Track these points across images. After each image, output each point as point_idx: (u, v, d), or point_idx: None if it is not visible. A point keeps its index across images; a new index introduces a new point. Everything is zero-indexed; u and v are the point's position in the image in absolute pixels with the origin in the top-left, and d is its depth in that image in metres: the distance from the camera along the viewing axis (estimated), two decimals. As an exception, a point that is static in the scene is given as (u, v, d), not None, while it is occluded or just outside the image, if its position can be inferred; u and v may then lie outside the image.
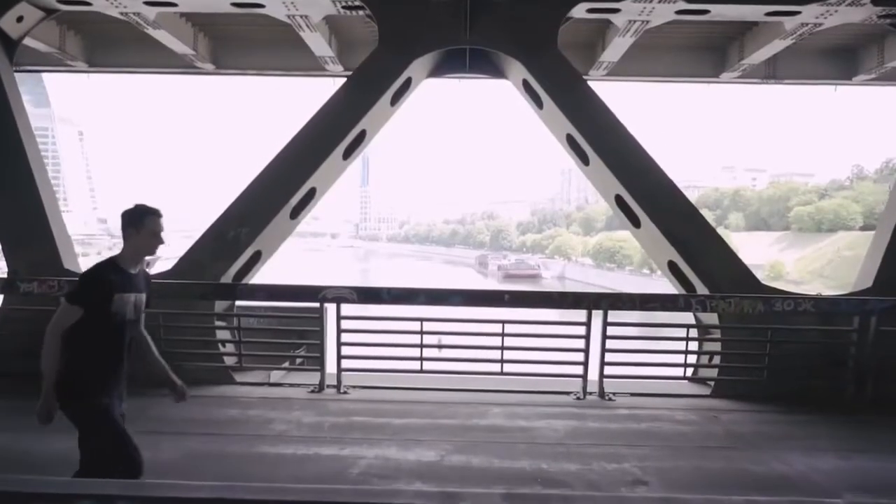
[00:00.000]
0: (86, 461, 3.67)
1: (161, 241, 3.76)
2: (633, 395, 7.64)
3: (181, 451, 5.54)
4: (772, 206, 77.98)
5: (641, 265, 70.24)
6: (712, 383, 8.02)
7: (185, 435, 5.98)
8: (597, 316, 7.69)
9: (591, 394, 7.64)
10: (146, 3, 9.07)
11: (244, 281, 8.92)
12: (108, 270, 3.64)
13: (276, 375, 8.44)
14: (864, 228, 63.45)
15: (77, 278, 3.65)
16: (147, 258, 3.85)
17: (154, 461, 5.31)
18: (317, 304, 7.78)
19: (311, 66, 11.88)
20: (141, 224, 3.69)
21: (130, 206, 3.75)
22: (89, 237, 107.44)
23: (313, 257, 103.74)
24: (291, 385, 7.94)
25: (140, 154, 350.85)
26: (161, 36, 10.36)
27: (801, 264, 62.79)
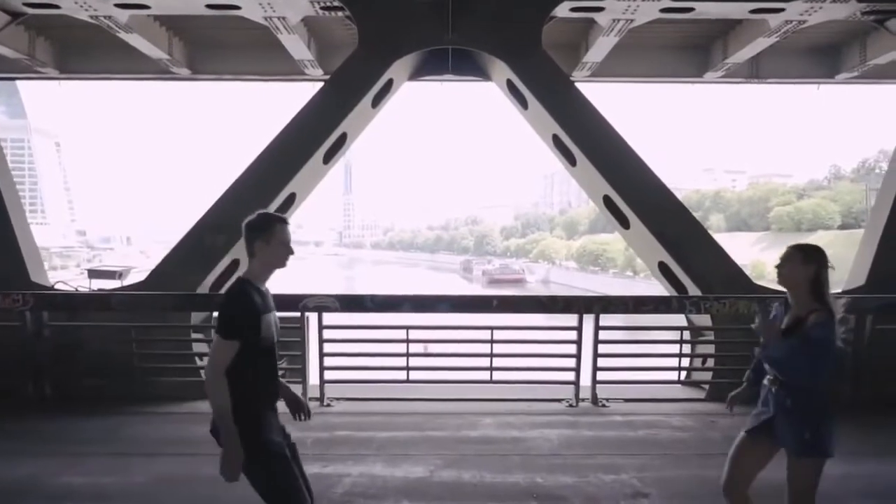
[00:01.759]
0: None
1: (292, 252, 3.34)
2: (626, 400, 7.42)
3: (152, 474, 5.22)
4: (752, 206, 78.63)
5: (625, 267, 70.47)
6: (707, 387, 7.83)
7: (156, 456, 5.66)
8: (588, 320, 7.48)
9: (583, 400, 7.41)
10: (117, 6, 8.76)
11: (222, 291, 8.62)
12: (250, 292, 3.18)
13: (256, 389, 8.12)
14: (842, 227, 64.28)
15: (223, 309, 3.16)
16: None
17: (122, 486, 5.03)
18: (297, 314, 7.48)
19: (290, 70, 11.62)
20: (270, 234, 3.23)
21: (253, 215, 3.29)
22: (68, 249, 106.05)
23: (297, 265, 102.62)
24: (272, 398, 7.62)
25: (118, 163, 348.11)
26: (134, 40, 10.05)
27: (782, 264, 63.20)
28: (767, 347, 3.43)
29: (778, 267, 3.49)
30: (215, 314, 8.24)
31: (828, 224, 66.04)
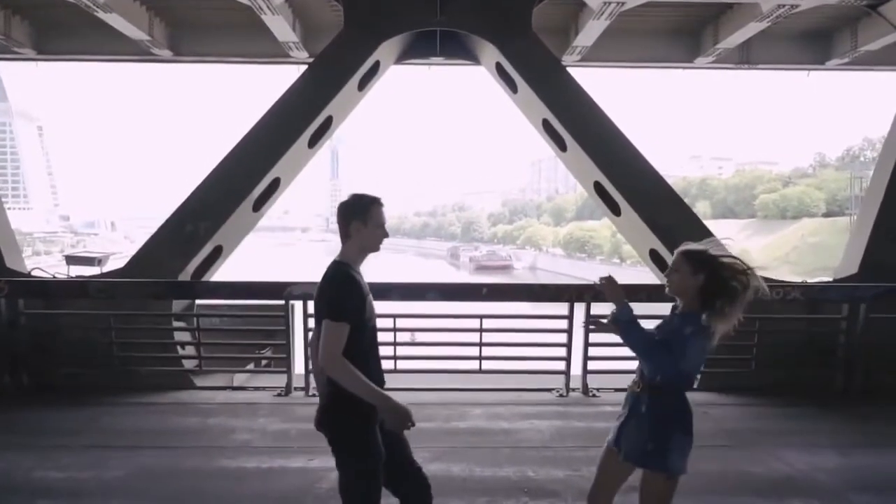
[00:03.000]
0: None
1: (387, 234, 3.22)
2: (617, 390, 7.30)
3: (131, 468, 5.04)
4: (738, 194, 78.88)
5: (612, 254, 70.64)
6: (698, 376, 7.73)
7: (136, 449, 5.48)
8: (578, 308, 7.34)
9: (574, 390, 7.29)
10: (93, -16, 8.48)
11: (204, 278, 8.41)
12: (354, 273, 3.09)
13: (239, 378, 7.95)
14: (826, 215, 64.83)
15: (330, 291, 3.03)
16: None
17: (100, 480, 4.85)
18: (282, 302, 7.31)
19: (274, 52, 11.36)
20: (368, 215, 3.13)
21: (348, 196, 3.19)
22: (51, 235, 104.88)
23: (284, 252, 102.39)
24: (256, 388, 7.46)
25: (102, 147, 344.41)
26: (113, 20, 9.75)
27: (767, 251, 63.62)
28: (615, 309, 3.24)
29: (667, 275, 3.29)
30: (198, 301, 8.11)
31: (812, 212, 66.51)
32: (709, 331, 3.12)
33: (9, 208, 9.33)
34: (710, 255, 3.23)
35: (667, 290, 3.30)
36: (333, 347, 2.95)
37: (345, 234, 3.15)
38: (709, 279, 3.16)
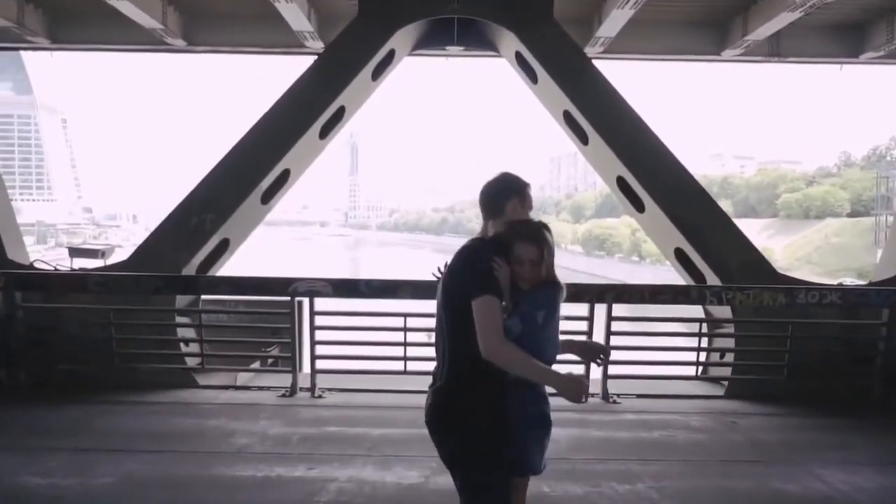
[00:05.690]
0: None
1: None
2: (639, 396, 6.93)
3: (119, 474, 4.75)
4: (760, 193, 77.83)
5: (631, 252, 69.97)
6: (726, 383, 7.32)
7: (129, 453, 5.19)
8: (599, 309, 6.96)
9: (593, 395, 6.89)
10: (104, -29, 8.24)
11: (210, 272, 8.14)
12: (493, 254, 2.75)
13: (243, 377, 7.66)
14: (851, 215, 63.68)
15: (477, 265, 2.71)
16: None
17: (84, 487, 4.53)
18: (287, 299, 7.00)
19: (289, 42, 11.10)
20: (524, 195, 2.94)
21: (496, 175, 3.00)
22: (74, 226, 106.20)
23: (302, 246, 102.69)
24: (260, 388, 7.16)
25: (125, 138, 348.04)
26: (126, 8, 9.52)
27: (789, 251, 62.72)
28: None
29: (533, 261, 2.78)
30: (203, 297, 7.82)
31: (837, 212, 65.41)
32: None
33: (33, 200, 9.15)
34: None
35: (521, 283, 2.77)
36: (494, 325, 2.59)
37: (497, 212, 2.88)
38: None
